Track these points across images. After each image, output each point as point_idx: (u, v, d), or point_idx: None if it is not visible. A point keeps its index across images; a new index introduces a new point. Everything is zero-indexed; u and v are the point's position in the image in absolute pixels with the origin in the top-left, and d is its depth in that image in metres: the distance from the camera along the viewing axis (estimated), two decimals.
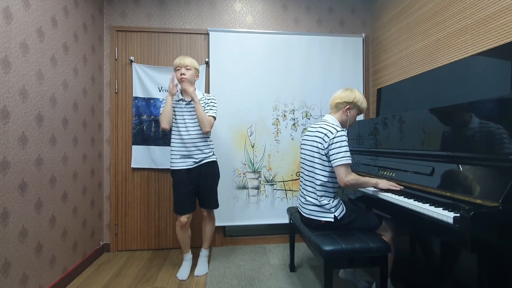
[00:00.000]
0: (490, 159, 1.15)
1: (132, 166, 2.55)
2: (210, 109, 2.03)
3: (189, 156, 2.01)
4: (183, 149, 2.01)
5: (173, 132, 2.05)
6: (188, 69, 1.99)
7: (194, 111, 2.00)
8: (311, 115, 2.72)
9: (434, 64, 1.97)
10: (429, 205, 1.24)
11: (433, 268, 1.59)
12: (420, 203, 1.30)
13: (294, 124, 2.70)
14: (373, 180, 1.59)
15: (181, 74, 1.97)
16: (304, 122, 2.72)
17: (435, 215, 1.16)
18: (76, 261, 2.10)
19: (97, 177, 2.43)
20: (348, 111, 1.68)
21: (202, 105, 2.02)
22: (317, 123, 1.72)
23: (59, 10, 1.90)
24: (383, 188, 1.56)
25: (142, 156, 2.56)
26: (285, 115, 2.69)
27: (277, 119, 2.68)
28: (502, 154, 1.10)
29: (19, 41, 1.54)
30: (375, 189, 1.66)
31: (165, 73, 2.56)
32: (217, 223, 2.58)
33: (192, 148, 2.00)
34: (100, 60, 2.49)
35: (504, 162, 1.09)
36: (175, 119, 2.03)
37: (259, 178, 2.66)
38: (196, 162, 2.02)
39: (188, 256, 2.13)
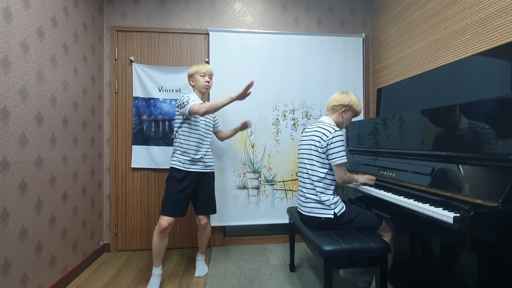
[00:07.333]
0: (490, 159, 1.15)
1: (132, 166, 2.55)
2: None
3: (199, 160, 1.98)
4: (197, 151, 1.97)
5: (189, 133, 1.95)
6: (211, 78, 2.09)
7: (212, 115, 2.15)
8: (311, 115, 2.72)
9: (434, 64, 1.97)
10: (429, 205, 1.24)
11: (433, 268, 1.59)
12: (420, 203, 1.30)
13: (294, 124, 2.70)
14: (356, 176, 1.75)
15: (206, 82, 2.03)
16: (304, 122, 2.71)
17: (435, 215, 1.16)
18: (76, 261, 2.10)
19: (97, 177, 2.43)
20: (343, 113, 1.75)
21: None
22: (314, 124, 1.79)
23: (59, 10, 1.90)
24: (361, 182, 1.75)
25: (142, 156, 2.56)
26: (285, 115, 2.69)
27: (277, 119, 2.68)
28: (502, 154, 1.10)
29: (19, 41, 1.54)
30: (375, 189, 1.67)
31: (165, 73, 2.56)
32: (217, 223, 2.59)
33: (204, 151, 2.01)
34: (100, 60, 2.49)
35: (504, 162, 1.09)
36: (196, 120, 1.98)
37: (259, 178, 2.66)
38: (202, 167, 2.00)
39: (158, 271, 1.90)
